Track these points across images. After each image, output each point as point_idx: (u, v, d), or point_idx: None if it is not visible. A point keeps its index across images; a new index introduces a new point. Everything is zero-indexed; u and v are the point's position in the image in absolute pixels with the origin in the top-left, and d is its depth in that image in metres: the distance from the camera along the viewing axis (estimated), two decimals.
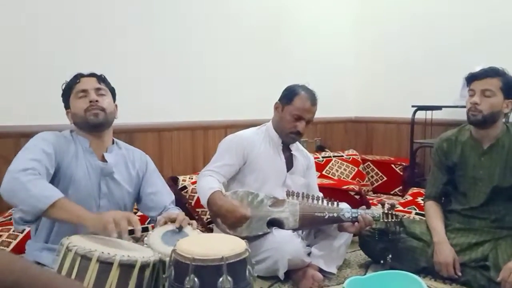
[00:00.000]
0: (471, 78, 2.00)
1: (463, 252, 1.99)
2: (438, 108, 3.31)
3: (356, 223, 1.99)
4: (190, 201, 2.60)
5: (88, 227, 1.38)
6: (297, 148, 2.30)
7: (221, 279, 1.17)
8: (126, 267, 1.21)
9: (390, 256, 2.02)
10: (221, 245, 1.26)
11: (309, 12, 3.70)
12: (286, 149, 2.23)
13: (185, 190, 2.63)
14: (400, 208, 2.72)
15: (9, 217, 1.98)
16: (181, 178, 2.69)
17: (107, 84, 1.78)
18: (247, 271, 1.24)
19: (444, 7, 3.51)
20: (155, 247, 1.39)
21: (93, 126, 1.67)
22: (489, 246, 1.96)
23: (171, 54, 2.79)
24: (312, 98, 2.11)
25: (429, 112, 3.39)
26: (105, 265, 1.18)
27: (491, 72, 1.95)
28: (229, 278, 1.18)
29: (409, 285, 1.30)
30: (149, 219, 2.29)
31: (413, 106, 3.33)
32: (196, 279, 1.17)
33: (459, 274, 1.94)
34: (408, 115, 3.37)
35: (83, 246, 1.21)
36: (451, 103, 3.15)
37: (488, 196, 2.00)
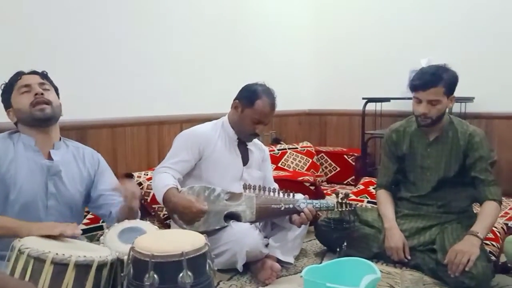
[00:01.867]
0: (416, 89, 2.02)
1: (412, 236, 2.10)
2: (387, 100, 3.45)
3: (302, 214, 2.01)
4: (145, 197, 2.56)
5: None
6: (252, 142, 2.32)
7: (181, 274, 1.18)
8: (83, 268, 1.19)
9: (345, 244, 2.08)
10: (180, 240, 1.27)
11: (268, 5, 3.74)
12: (242, 144, 2.24)
13: (141, 187, 2.58)
14: (353, 197, 2.82)
15: None
16: (136, 174, 2.65)
17: (50, 81, 1.72)
18: (207, 265, 1.25)
19: (392, 4, 3.68)
20: (112, 245, 1.37)
21: (40, 120, 1.60)
22: (436, 230, 2.07)
23: (125, 48, 2.72)
24: (272, 103, 2.12)
25: (378, 104, 3.53)
26: (60, 266, 1.16)
27: (434, 80, 1.97)
28: (189, 273, 1.18)
29: (363, 270, 1.36)
30: (102, 219, 2.24)
31: (363, 99, 3.45)
32: (155, 275, 1.17)
33: (409, 257, 2.04)
34: (359, 107, 3.48)
35: (36, 247, 1.17)
36: (399, 95, 3.29)
37: (435, 185, 2.11)
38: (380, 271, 1.97)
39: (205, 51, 3.19)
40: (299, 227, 2.08)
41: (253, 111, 2.08)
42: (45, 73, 1.71)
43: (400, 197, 2.27)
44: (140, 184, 2.59)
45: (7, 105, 1.65)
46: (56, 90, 1.73)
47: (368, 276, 1.29)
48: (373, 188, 2.64)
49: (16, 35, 2.20)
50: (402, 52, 3.53)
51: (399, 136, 2.23)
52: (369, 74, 3.76)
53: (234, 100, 2.17)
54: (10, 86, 1.64)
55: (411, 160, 2.18)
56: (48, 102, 1.61)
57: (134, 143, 2.78)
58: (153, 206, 2.54)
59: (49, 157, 1.64)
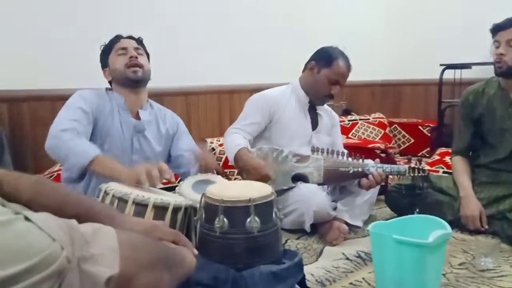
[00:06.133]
0: (496, 29, 1.95)
1: (490, 205, 2.00)
2: (468, 66, 3.23)
3: (370, 176, 1.97)
4: (218, 162, 2.67)
5: (123, 180, 1.45)
6: (323, 108, 2.32)
7: (249, 219, 1.23)
8: (160, 209, 1.29)
9: (417, 210, 2.03)
10: (249, 188, 1.32)
11: None
12: (312, 109, 2.25)
13: (213, 152, 2.70)
14: (428, 167, 2.71)
15: (48, 175, 2.10)
16: (208, 140, 2.76)
17: (144, 47, 1.87)
18: (273, 213, 1.29)
19: None
20: (186, 194, 1.46)
21: (132, 81, 1.76)
22: None
23: (198, 18, 2.82)
24: (349, 64, 2.14)
25: (458, 72, 3.32)
26: (141, 206, 1.26)
27: None
28: (256, 218, 1.23)
29: (432, 226, 1.33)
30: (179, 179, 2.38)
31: (441, 65, 3.27)
32: (225, 219, 1.24)
33: (486, 226, 1.96)
34: (437, 76, 3.31)
35: (120, 189, 1.29)
36: (481, 60, 3.07)
37: None
38: (455, 238, 1.94)
39: (272, 21, 3.20)
40: (367, 190, 2.06)
41: (331, 71, 2.09)
42: (140, 39, 1.87)
43: (477, 164, 2.15)
44: (212, 149, 2.71)
45: (104, 64, 1.83)
46: (148, 56, 1.88)
47: (437, 231, 1.26)
48: (449, 158, 2.52)
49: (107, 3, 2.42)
50: (485, 12, 3.25)
51: (476, 97, 2.11)
52: (448, 38, 3.52)
53: (309, 61, 2.18)
54: (109, 47, 1.81)
55: (490, 121, 2.06)
56: (141, 66, 1.77)
57: (207, 111, 2.90)
58: (225, 170, 2.65)
59: (137, 117, 1.79)
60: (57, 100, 2.16)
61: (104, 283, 0.68)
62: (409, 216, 1.50)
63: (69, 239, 0.67)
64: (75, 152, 1.51)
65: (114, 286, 0.70)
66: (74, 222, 0.73)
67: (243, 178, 2.05)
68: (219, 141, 2.75)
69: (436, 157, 2.89)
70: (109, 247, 0.71)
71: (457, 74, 3.32)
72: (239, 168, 2.04)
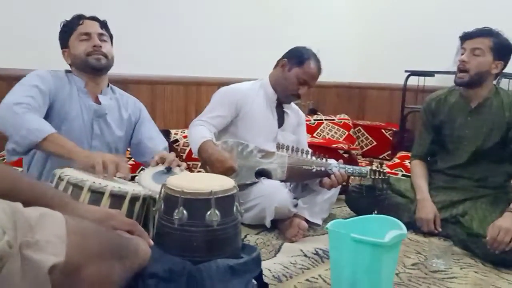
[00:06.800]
0: (464, 37, 2.02)
1: (444, 209, 2.06)
2: (431, 74, 3.32)
3: (332, 176, 1.99)
4: (181, 154, 2.63)
5: (78, 162, 1.39)
6: (290, 106, 2.32)
7: (209, 212, 1.21)
8: (117, 198, 1.24)
9: (375, 212, 2.07)
10: (210, 181, 1.30)
11: None
12: (279, 106, 2.25)
13: (177, 144, 2.66)
14: (388, 170, 2.77)
15: (1, 158, 2.00)
16: (173, 131, 2.72)
17: (108, 30, 1.77)
18: (234, 207, 1.28)
19: None
20: (146, 184, 1.43)
21: (94, 68, 1.67)
22: (469, 204, 2.01)
23: (165, 8, 2.76)
24: (320, 67, 2.15)
25: (421, 79, 3.42)
26: (97, 194, 1.22)
27: (484, 32, 1.97)
28: (217, 212, 1.21)
29: (389, 227, 1.36)
30: (140, 168, 2.33)
31: (406, 71, 3.35)
32: (185, 211, 1.21)
33: (439, 229, 2.02)
34: (401, 81, 3.39)
35: (75, 176, 1.24)
36: (444, 69, 3.17)
37: (472, 156, 2.05)
38: (409, 239, 1.99)
39: (245, 18, 3.19)
40: (329, 189, 2.08)
41: (301, 70, 2.09)
42: (105, 22, 1.76)
43: (435, 169, 2.22)
44: (176, 141, 2.67)
45: (64, 45, 1.71)
46: (111, 38, 1.79)
47: (393, 231, 1.29)
48: (409, 162, 2.59)
49: None
50: (449, 23, 3.36)
51: (438, 104, 2.17)
52: (413, 45, 3.62)
53: (281, 58, 2.17)
54: (70, 29, 1.69)
55: (449, 129, 2.13)
56: (104, 55, 1.67)
57: (173, 101, 2.85)
58: (188, 163, 2.61)
59: (97, 101, 1.72)
60: (13, 80, 2.06)
61: (48, 271, 0.65)
62: (367, 216, 1.53)
63: (12, 223, 0.63)
64: (27, 127, 1.42)
65: (59, 274, 0.66)
66: (19, 205, 0.69)
67: (207, 171, 2.03)
68: (184, 132, 2.70)
69: (397, 160, 2.97)
70: (55, 234, 0.68)
71: (421, 81, 3.42)
72: (202, 160, 2.01)
